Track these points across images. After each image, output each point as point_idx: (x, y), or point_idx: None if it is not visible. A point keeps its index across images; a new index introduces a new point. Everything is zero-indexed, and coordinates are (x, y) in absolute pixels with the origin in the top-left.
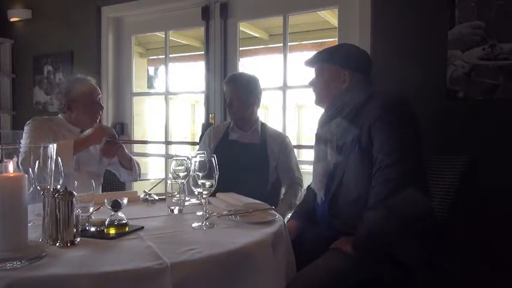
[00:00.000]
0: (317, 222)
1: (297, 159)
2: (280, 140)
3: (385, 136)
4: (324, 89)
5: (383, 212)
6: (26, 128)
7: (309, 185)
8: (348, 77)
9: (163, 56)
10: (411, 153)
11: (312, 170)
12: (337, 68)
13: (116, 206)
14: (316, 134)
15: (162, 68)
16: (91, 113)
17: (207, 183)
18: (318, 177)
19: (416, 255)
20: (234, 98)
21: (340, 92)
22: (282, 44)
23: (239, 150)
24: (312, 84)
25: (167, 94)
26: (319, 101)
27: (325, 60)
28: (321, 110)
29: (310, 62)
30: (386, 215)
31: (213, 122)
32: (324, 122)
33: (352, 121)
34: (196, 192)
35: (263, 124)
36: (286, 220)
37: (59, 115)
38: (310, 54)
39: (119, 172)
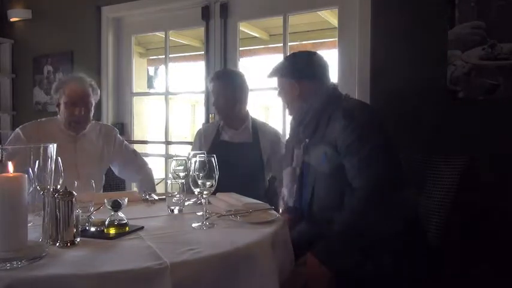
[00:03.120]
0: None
1: None
2: (272, 135)
3: (351, 148)
4: (286, 100)
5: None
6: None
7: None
8: (298, 86)
9: (163, 56)
10: (378, 170)
11: None
12: (286, 80)
13: (116, 206)
14: (287, 140)
15: (162, 68)
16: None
17: (207, 183)
18: (285, 182)
19: (417, 255)
20: (220, 95)
21: (296, 100)
22: (282, 44)
23: (232, 151)
24: (279, 95)
25: (167, 94)
26: (288, 112)
27: (277, 74)
28: None
29: (270, 75)
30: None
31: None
32: (292, 128)
33: (316, 127)
34: (196, 192)
35: (254, 121)
36: None
37: (58, 115)
38: None
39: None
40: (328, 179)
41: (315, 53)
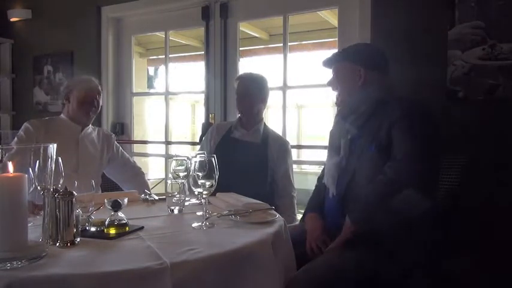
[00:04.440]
0: (324, 218)
1: (298, 158)
2: (281, 143)
3: (402, 138)
4: (341, 87)
5: (374, 185)
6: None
7: (319, 178)
8: (363, 74)
9: (163, 56)
10: (418, 162)
11: (311, 170)
12: (351, 65)
13: (116, 206)
14: (331, 130)
15: (162, 68)
16: (83, 101)
17: (207, 183)
18: (329, 172)
19: (417, 255)
20: (243, 93)
21: (356, 88)
22: (282, 44)
23: (239, 148)
24: (330, 84)
25: (167, 94)
26: (338, 100)
27: (341, 59)
28: (321, 110)
29: (327, 62)
30: (377, 188)
31: (213, 121)
32: (340, 118)
33: (368, 118)
34: (196, 192)
35: (266, 126)
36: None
37: (61, 114)
38: (310, 54)
39: (121, 184)
40: (372, 170)
41: (380, 47)
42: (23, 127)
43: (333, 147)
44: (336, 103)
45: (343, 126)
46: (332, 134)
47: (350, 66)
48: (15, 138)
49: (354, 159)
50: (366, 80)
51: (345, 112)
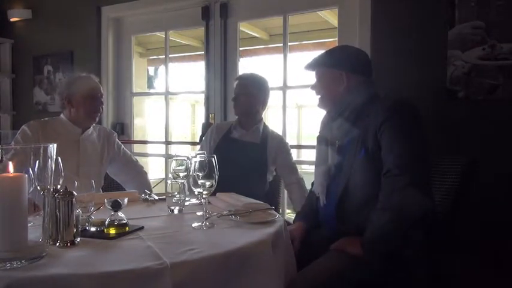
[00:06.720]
0: (319, 224)
1: (298, 159)
2: (279, 141)
3: (393, 139)
4: (324, 92)
5: (391, 213)
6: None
7: (312, 184)
8: (346, 78)
9: (163, 56)
10: (419, 158)
11: (311, 170)
12: (334, 71)
13: (116, 206)
14: (318, 137)
15: (162, 68)
16: (90, 108)
17: (207, 183)
18: (318, 180)
19: (417, 255)
20: (240, 93)
21: (340, 93)
22: (282, 44)
23: (239, 148)
24: (314, 88)
25: (167, 94)
26: (321, 104)
27: (322, 64)
28: (321, 110)
29: (309, 67)
30: (394, 217)
31: (213, 121)
32: (326, 124)
33: (354, 123)
34: (196, 192)
35: (265, 126)
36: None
37: (61, 115)
38: (310, 54)
39: (124, 184)
40: (364, 175)
41: (361, 50)
42: (20, 130)
43: (321, 154)
44: (318, 106)
45: (329, 133)
46: (319, 141)
47: (332, 72)
48: (13, 142)
49: (344, 167)
50: (349, 84)
51: (330, 116)
